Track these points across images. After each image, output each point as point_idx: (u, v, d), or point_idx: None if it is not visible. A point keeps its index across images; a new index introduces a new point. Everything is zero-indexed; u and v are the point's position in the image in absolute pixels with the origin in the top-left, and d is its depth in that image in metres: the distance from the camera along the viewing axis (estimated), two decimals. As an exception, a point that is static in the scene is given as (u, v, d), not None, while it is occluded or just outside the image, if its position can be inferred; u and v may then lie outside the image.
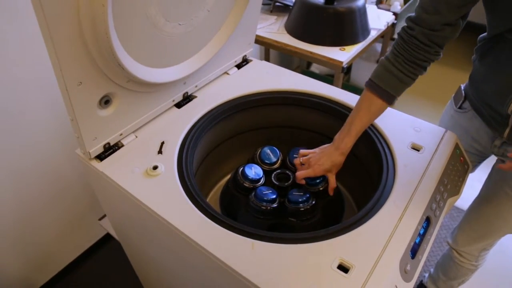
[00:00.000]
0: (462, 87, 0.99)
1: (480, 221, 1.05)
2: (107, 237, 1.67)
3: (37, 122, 1.21)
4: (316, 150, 0.92)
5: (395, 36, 1.97)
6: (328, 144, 0.90)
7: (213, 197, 1.12)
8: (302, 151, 0.95)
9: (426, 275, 1.46)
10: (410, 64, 0.79)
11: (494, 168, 1.00)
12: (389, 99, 0.83)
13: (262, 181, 0.94)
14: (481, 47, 0.88)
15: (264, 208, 0.86)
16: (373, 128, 0.93)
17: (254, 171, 0.94)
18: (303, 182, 0.90)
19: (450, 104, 1.05)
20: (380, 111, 0.86)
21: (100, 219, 1.55)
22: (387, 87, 0.81)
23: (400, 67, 0.79)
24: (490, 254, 1.16)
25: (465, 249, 1.13)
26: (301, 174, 0.89)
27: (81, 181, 1.44)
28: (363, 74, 2.31)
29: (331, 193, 0.91)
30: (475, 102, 0.93)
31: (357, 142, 0.98)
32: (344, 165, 0.97)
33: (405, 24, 0.79)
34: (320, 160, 0.88)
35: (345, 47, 1.60)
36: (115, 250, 1.63)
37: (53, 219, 1.42)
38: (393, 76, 0.80)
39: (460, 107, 0.99)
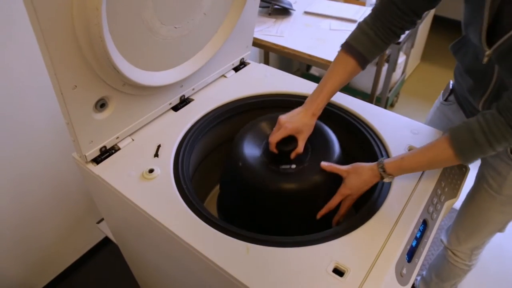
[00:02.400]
0: (451, 82, 1.02)
1: (467, 220, 1.05)
2: (106, 241, 1.67)
3: (36, 128, 1.21)
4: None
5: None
6: (299, 107, 0.88)
7: (210, 201, 1.12)
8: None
9: (419, 278, 1.45)
10: (386, 29, 0.82)
11: (479, 166, 1.00)
12: (363, 62, 0.85)
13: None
14: (453, 45, 0.90)
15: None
16: (370, 130, 0.93)
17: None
18: (275, 150, 0.85)
19: (439, 97, 1.09)
20: (353, 74, 0.87)
21: (98, 222, 1.54)
22: (363, 50, 0.83)
23: (377, 31, 0.82)
24: (489, 257, 1.15)
25: (457, 248, 1.13)
26: (273, 137, 0.84)
27: (80, 184, 1.44)
28: (362, 76, 2.31)
29: (292, 156, 0.85)
30: (458, 96, 0.97)
31: (354, 144, 0.98)
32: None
33: None
34: (291, 119, 0.85)
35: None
36: (113, 253, 1.63)
37: (52, 223, 1.42)
38: (369, 40, 0.83)
39: (446, 100, 1.02)
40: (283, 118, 0.85)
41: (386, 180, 0.78)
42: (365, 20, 0.84)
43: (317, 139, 0.89)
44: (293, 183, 0.81)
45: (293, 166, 0.85)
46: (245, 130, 0.92)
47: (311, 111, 0.85)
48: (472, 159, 0.71)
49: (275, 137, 0.84)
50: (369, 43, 0.83)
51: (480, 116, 0.69)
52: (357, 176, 0.79)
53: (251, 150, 0.87)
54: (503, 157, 0.87)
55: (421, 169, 0.78)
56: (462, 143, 0.70)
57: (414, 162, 0.75)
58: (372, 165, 0.78)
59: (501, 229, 1.02)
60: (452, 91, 1.00)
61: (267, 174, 0.83)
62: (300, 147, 0.85)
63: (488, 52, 0.72)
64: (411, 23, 0.82)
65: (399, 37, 0.84)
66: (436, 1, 0.79)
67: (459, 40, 0.87)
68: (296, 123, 0.84)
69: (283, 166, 0.85)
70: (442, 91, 1.06)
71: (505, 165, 0.87)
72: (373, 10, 0.83)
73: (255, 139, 0.90)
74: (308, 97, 0.88)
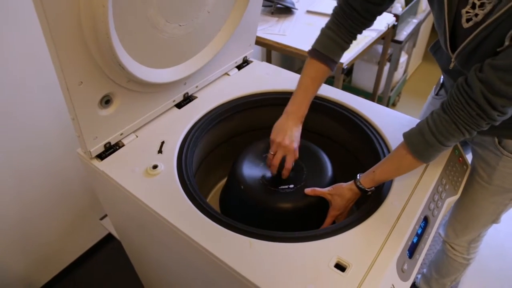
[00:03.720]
0: (442, 77, 1.04)
1: (462, 212, 1.07)
2: (109, 237, 1.68)
3: (39, 124, 1.22)
4: (272, 133, 0.91)
5: (397, 38, 1.98)
6: (282, 119, 0.91)
7: (213, 197, 1.13)
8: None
9: (419, 276, 1.46)
10: (350, 33, 0.87)
11: (472, 158, 1.02)
12: (333, 65, 0.89)
13: None
14: (432, 47, 0.91)
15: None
16: (371, 128, 0.94)
17: None
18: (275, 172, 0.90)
19: (431, 92, 1.11)
20: (325, 77, 0.92)
21: (101, 219, 1.55)
22: (331, 55, 0.88)
23: (342, 36, 0.86)
24: (490, 256, 1.15)
25: (455, 242, 1.14)
26: (275, 160, 0.88)
27: (83, 181, 1.45)
28: (364, 76, 2.32)
29: (285, 174, 0.90)
30: (447, 91, 0.98)
31: (356, 142, 0.99)
32: (344, 164, 0.97)
33: None
34: (283, 136, 0.88)
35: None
36: (116, 250, 1.64)
37: (55, 219, 1.43)
38: (335, 44, 0.87)
39: (437, 94, 1.05)
40: (278, 139, 0.88)
41: (369, 193, 0.81)
42: (328, 26, 0.88)
43: (311, 160, 0.95)
44: (294, 202, 0.87)
45: (291, 186, 0.90)
46: (244, 153, 0.97)
47: (299, 120, 0.90)
48: (431, 158, 0.74)
49: (277, 159, 0.88)
50: (335, 47, 0.87)
51: (429, 116, 0.72)
52: (341, 197, 0.83)
53: (250, 172, 0.92)
54: (491, 148, 0.89)
55: (393, 176, 0.80)
56: (417, 145, 0.72)
57: (384, 172, 0.78)
58: (350, 185, 0.82)
59: (496, 220, 1.03)
60: (442, 85, 1.03)
61: (269, 195, 0.88)
62: (288, 163, 0.89)
63: (453, 58, 0.74)
64: (369, 25, 0.88)
65: (356, 37, 0.90)
66: (393, 2, 0.84)
67: (435, 42, 0.89)
68: (292, 137, 0.88)
69: (282, 186, 0.90)
70: (434, 86, 1.09)
71: (494, 156, 0.89)
72: (334, 16, 0.87)
73: (253, 160, 0.96)
74: (291, 105, 0.90)
